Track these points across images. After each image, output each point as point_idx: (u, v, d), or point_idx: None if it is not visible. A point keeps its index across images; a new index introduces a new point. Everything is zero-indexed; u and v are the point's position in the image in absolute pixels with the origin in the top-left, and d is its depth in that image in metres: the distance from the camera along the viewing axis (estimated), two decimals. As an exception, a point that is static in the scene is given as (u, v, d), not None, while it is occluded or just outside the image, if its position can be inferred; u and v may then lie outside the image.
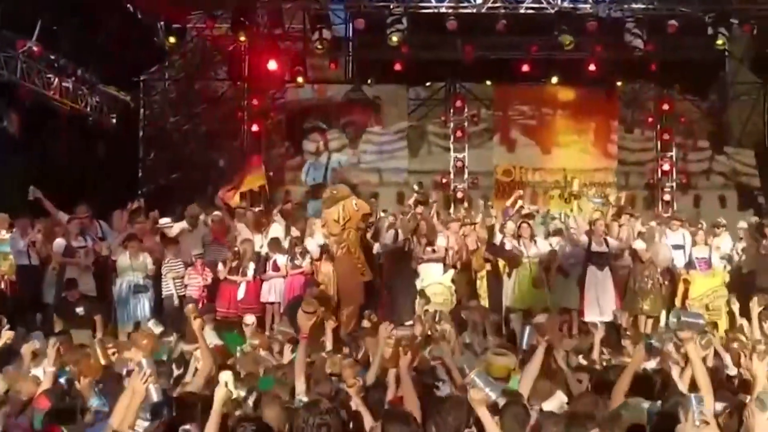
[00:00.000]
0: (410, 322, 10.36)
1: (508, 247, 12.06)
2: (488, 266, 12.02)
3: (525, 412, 4.73)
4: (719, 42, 15.81)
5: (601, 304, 11.37)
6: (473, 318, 8.84)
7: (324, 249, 12.15)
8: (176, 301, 11.67)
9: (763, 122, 18.93)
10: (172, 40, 15.45)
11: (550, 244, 12.37)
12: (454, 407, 4.74)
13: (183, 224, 12.59)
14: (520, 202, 13.74)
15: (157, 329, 6.89)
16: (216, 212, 13.11)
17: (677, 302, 11.79)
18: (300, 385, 5.63)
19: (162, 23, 15.81)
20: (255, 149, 17.91)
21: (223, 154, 18.93)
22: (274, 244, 12.42)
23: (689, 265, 11.95)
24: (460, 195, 18.31)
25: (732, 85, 19.43)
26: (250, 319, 10.37)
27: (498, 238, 12.10)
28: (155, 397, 4.45)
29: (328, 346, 7.72)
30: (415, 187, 15.43)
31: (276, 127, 19.30)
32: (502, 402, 4.70)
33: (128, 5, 15.48)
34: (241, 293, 12.04)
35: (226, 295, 12.00)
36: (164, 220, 12.69)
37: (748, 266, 12.05)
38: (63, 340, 7.00)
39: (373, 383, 5.82)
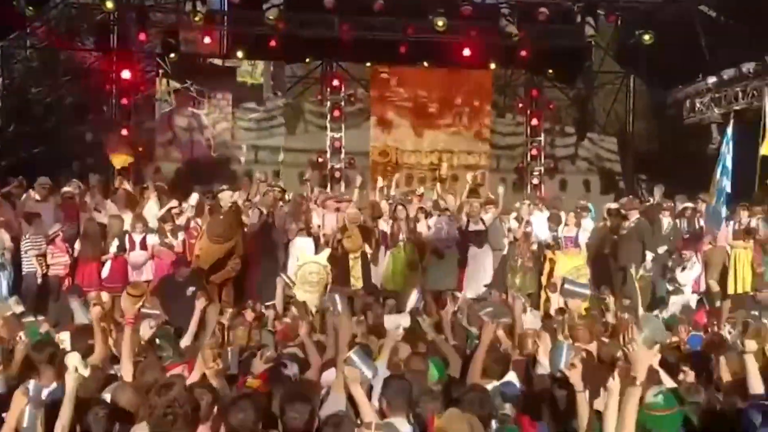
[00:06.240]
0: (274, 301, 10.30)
1: (382, 228, 12.15)
2: (366, 247, 12.05)
3: (408, 385, 4.73)
4: (589, 32, 16.41)
5: (478, 280, 11.66)
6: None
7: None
8: (39, 280, 11.12)
9: (625, 111, 19.86)
10: (31, 9, 14.49)
11: (428, 226, 12.47)
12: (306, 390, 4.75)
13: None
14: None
15: (18, 308, 6.51)
16: (66, 188, 12.38)
17: (543, 280, 12.24)
18: (127, 371, 5.41)
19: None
20: (124, 123, 17.23)
21: (90, 128, 18.13)
22: (143, 221, 11.99)
23: (555, 244, 12.42)
24: (337, 175, 18.37)
25: (597, 74, 20.24)
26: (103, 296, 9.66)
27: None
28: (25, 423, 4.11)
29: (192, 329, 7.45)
30: (258, 175, 14.23)
31: (146, 101, 18.65)
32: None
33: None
34: (105, 271, 11.58)
35: (85, 273, 11.48)
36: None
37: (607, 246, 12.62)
38: None
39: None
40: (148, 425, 3.83)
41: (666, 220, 12.63)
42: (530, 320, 7.50)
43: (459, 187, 15.61)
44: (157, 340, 6.47)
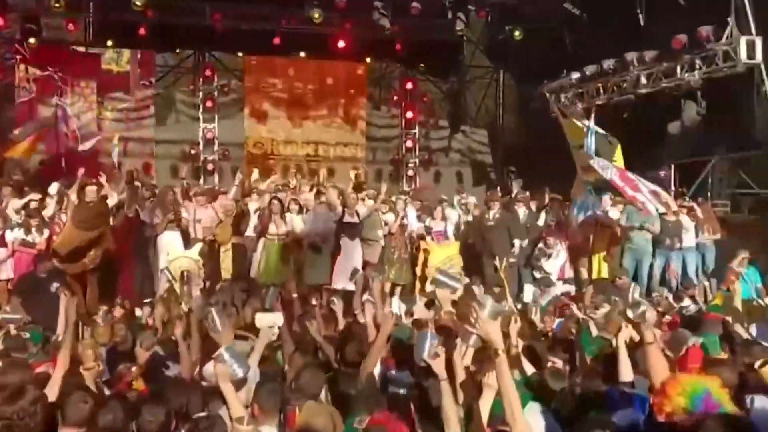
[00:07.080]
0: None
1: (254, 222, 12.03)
2: (234, 239, 11.85)
3: (279, 387, 4.69)
4: (459, 27, 16.76)
5: (348, 272, 11.66)
6: None
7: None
8: None
9: (495, 104, 20.44)
10: None
11: (303, 221, 12.36)
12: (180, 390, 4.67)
13: None
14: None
15: None
16: None
17: (418, 270, 12.43)
18: None
19: None
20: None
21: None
22: (3, 217, 11.34)
23: (427, 234, 12.66)
24: (210, 167, 18.01)
25: (469, 69, 20.69)
26: None
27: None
28: None
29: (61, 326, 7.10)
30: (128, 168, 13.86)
31: (6, 89, 17.62)
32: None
33: None
34: (-35, 272, 10.91)
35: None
36: None
37: (474, 236, 12.94)
38: None
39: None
40: None
41: (521, 211, 13.04)
42: (419, 309, 7.54)
43: (336, 182, 15.60)
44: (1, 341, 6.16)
